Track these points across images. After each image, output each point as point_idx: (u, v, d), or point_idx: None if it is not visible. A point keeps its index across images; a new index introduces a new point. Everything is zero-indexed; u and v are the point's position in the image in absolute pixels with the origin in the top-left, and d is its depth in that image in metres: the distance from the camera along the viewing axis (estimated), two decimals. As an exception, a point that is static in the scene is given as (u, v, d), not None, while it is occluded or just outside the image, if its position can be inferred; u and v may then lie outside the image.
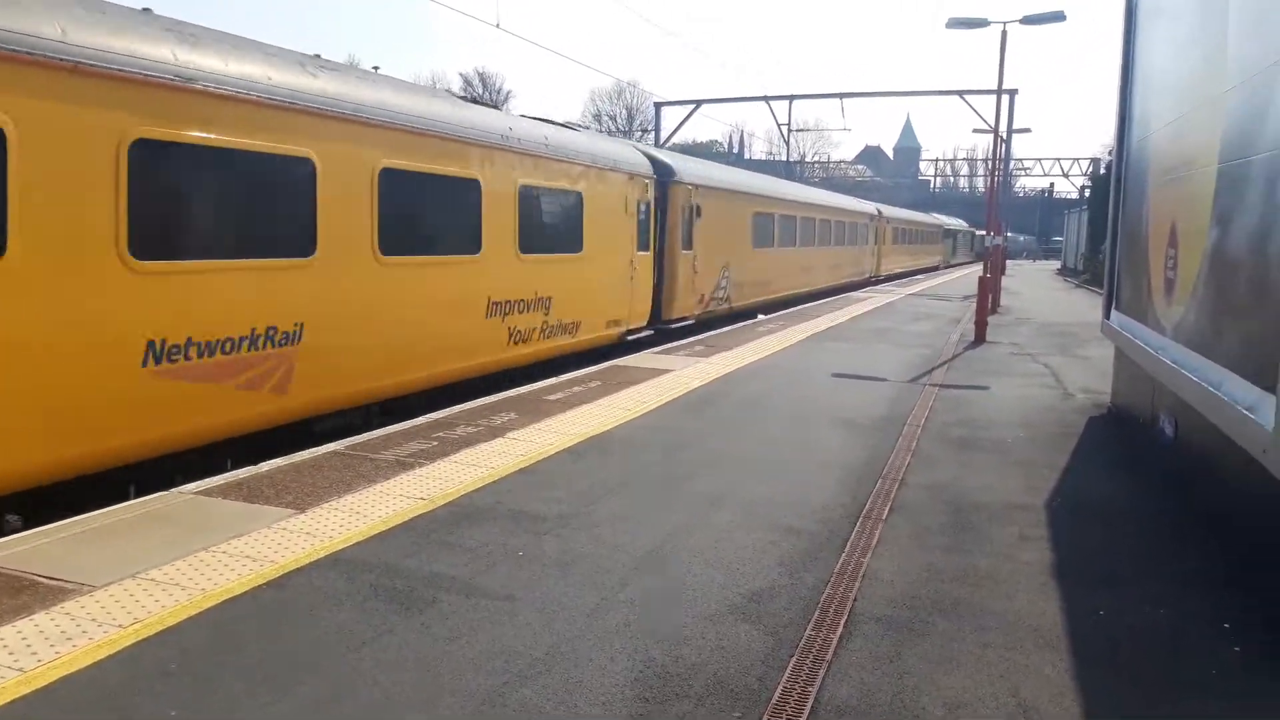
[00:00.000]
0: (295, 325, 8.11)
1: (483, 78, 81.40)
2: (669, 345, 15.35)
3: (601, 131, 71.13)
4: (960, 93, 40.21)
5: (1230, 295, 5.94)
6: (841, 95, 46.28)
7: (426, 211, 10.36)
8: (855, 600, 4.91)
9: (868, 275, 37.86)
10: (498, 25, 19.85)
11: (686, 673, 4.07)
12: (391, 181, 9.34)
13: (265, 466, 7.09)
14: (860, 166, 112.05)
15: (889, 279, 41.13)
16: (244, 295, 7.64)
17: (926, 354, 15.30)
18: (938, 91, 46.10)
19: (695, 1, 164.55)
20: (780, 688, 3.94)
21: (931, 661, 4.24)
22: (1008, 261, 46.19)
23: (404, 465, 7.25)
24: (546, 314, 12.47)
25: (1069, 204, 70.60)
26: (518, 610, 4.67)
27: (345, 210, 8.76)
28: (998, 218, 26.06)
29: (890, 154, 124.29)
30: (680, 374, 12.15)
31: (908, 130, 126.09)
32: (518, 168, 11.61)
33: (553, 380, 11.45)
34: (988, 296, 18.66)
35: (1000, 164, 30.82)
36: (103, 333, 6.55)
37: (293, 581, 4.93)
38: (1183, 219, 7.51)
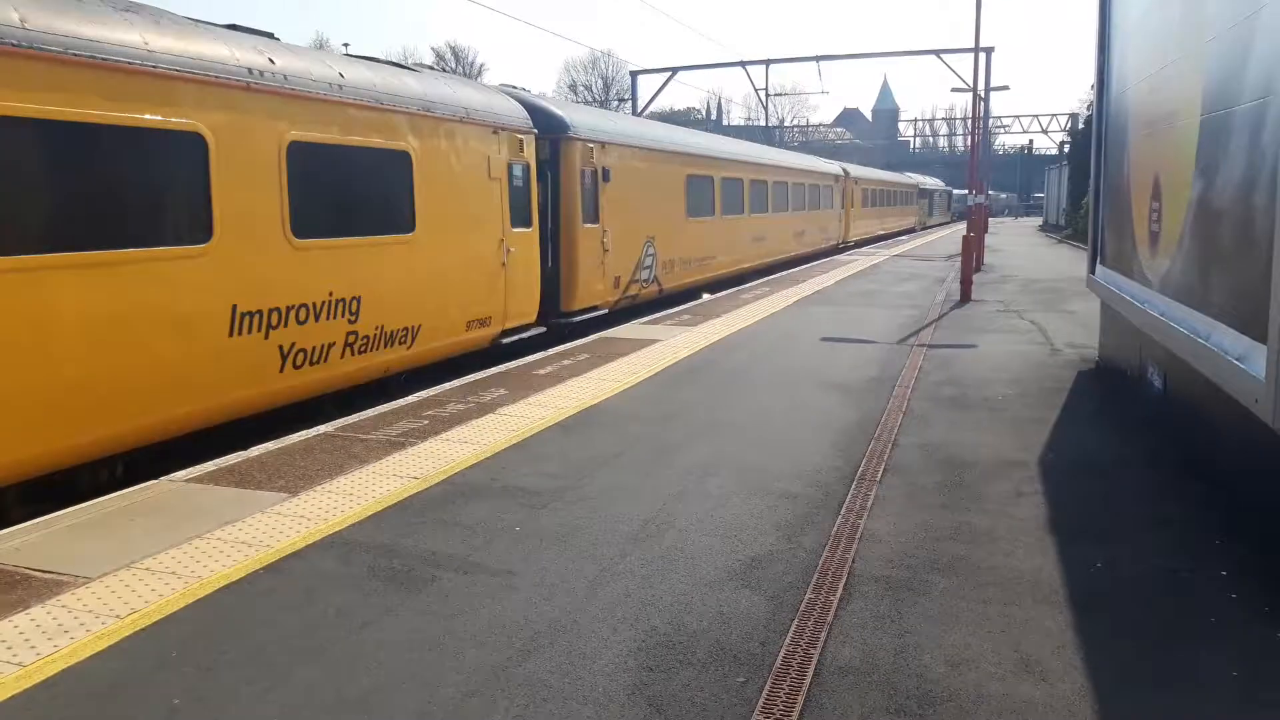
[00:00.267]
0: None
1: (455, 51, 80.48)
2: (656, 315, 15.31)
3: (579, 101, 70.48)
4: (937, 52, 40.08)
5: (1217, 246, 5.95)
6: (818, 58, 45.98)
7: (77, 184, 6.62)
8: (854, 562, 4.92)
9: (835, 242, 34.94)
10: (469, -4, 19.53)
11: (689, 640, 4.07)
12: None
13: (255, 451, 7.04)
14: (839, 129, 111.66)
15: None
16: None
17: (914, 314, 15.32)
18: (915, 51, 45.88)
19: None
20: (783, 651, 3.96)
21: (932, 620, 4.26)
22: (990, 220, 46.15)
23: (395, 445, 7.21)
24: (354, 321, 8.98)
25: (1049, 160, 70.76)
26: (517, 585, 4.66)
27: None
28: (979, 177, 26.06)
29: (869, 116, 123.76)
30: (669, 343, 12.12)
31: (885, 92, 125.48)
32: (285, 118, 8.19)
33: (541, 354, 11.40)
34: (972, 255, 18.68)
35: (979, 122, 30.77)
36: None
37: (290, 565, 4.90)
38: (1166, 171, 7.50)
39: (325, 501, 5.87)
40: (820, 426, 7.86)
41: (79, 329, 6.42)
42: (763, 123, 65.25)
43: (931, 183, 67.79)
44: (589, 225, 14.32)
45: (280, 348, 8.20)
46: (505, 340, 11.90)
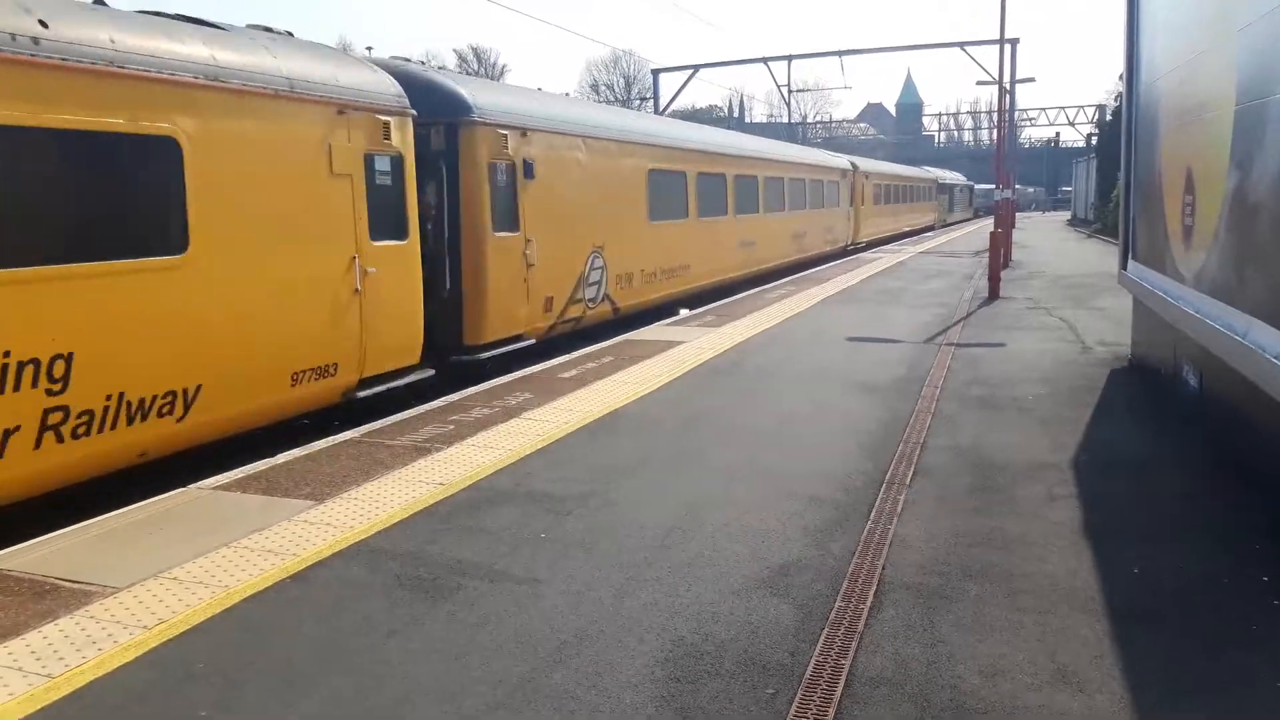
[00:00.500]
0: None
1: (477, 52, 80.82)
2: (680, 317, 15.24)
3: (599, 101, 70.52)
4: (961, 44, 39.72)
5: (1254, 240, 5.80)
6: (841, 53, 45.73)
7: None
8: (884, 569, 4.84)
9: (842, 244, 31.22)
10: (490, -1, 19.55)
11: (717, 650, 4.02)
12: None
13: (282, 458, 7.05)
14: (863, 125, 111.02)
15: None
16: None
17: (941, 313, 15.16)
18: (938, 44, 45.48)
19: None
20: (813, 662, 3.89)
21: (965, 628, 4.18)
22: (1017, 214, 45.49)
23: (421, 450, 7.21)
24: (58, 392, 6.13)
25: (1076, 153, 69.81)
26: (543, 593, 4.62)
27: None
28: (1005, 170, 25.75)
29: (893, 111, 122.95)
30: (692, 345, 12.06)
31: (909, 86, 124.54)
32: None
33: (565, 357, 11.37)
34: (999, 251, 18.45)
35: (1005, 116, 30.41)
36: None
37: (316, 574, 4.90)
38: (1199, 164, 7.35)
39: (352, 508, 5.87)
40: (847, 429, 7.77)
41: None
42: (785, 119, 64.98)
43: (951, 177, 64.35)
44: (503, 234, 11.19)
45: None
46: (366, 393, 8.87)
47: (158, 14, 7.58)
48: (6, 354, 5.83)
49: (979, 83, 47.98)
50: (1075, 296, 17.08)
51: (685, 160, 17.32)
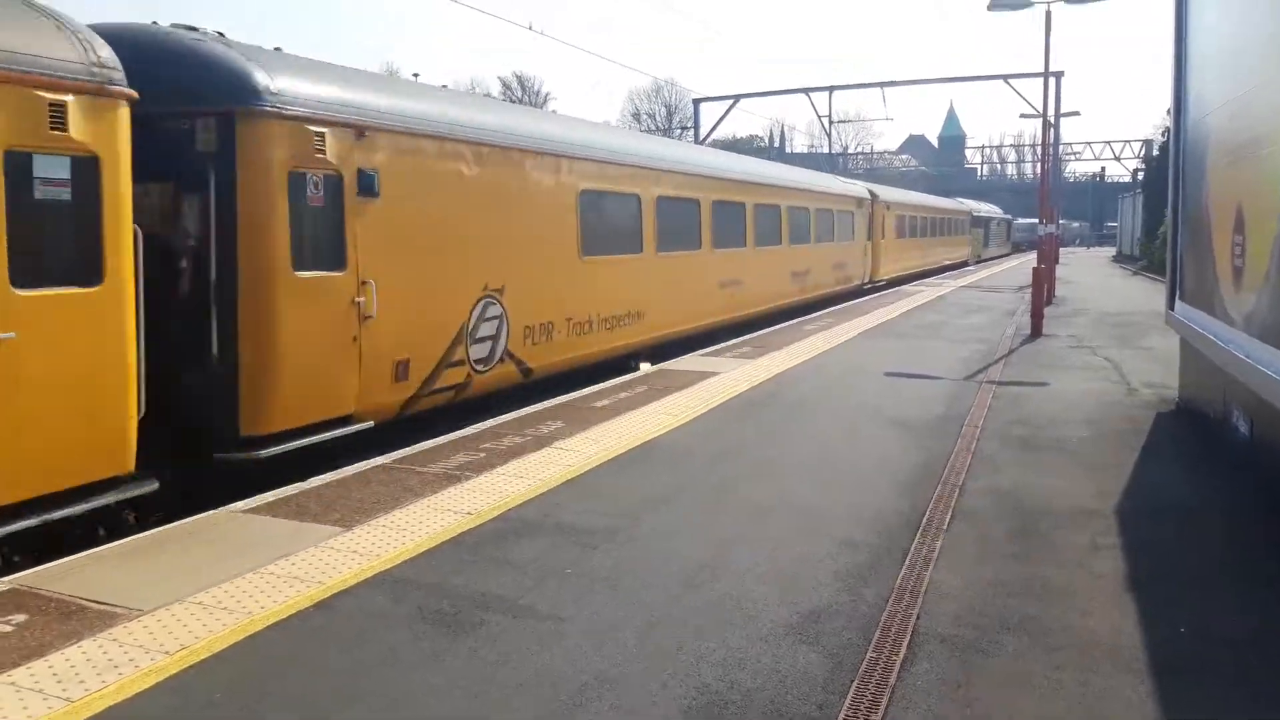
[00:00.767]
0: None
1: (521, 80, 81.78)
2: (715, 347, 15.15)
3: (643, 129, 70.84)
4: (1005, 77, 39.59)
5: (1310, 285, 5.61)
6: (883, 84, 45.77)
7: None
8: (918, 618, 4.70)
9: (858, 282, 27.51)
10: (530, 27, 19.76)
11: (742, 700, 3.90)
12: None
13: (313, 482, 7.05)
14: (904, 156, 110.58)
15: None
16: None
17: (981, 349, 14.92)
18: (982, 77, 45.30)
19: (753, 37, 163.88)
20: (842, 716, 3.76)
21: (1002, 685, 4.02)
22: (1061, 249, 44.75)
23: (451, 478, 7.17)
24: None
25: (1122, 188, 68.90)
26: (566, 631, 4.54)
27: None
28: (1049, 204, 25.43)
29: (935, 142, 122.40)
30: (728, 376, 11.96)
31: (952, 118, 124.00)
32: None
33: (599, 386, 11.33)
34: (1043, 287, 18.17)
35: (1049, 149, 30.10)
36: None
37: (340, 603, 4.86)
38: (1250, 202, 7.15)
39: (379, 536, 5.83)
40: (884, 467, 7.62)
41: None
42: (826, 150, 64.94)
43: (987, 209, 60.10)
44: (314, 274, 7.99)
45: None
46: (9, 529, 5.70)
47: None
48: None
49: (1023, 115, 47.44)
50: (1121, 335, 16.74)
51: (639, 180, 13.66)
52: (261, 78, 7.73)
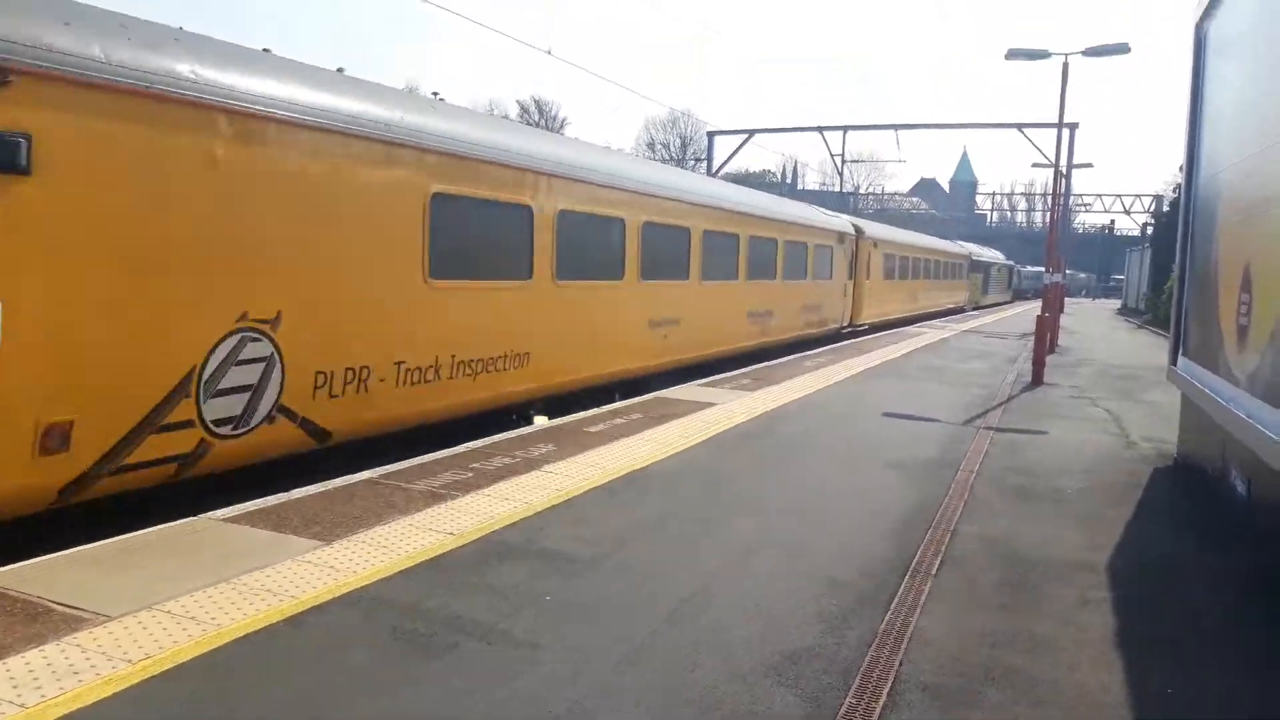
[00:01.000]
0: None
1: (539, 105, 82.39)
2: (714, 378, 15.07)
3: (656, 160, 71.32)
4: (1019, 126, 39.65)
5: (1314, 347, 5.54)
6: (896, 126, 45.98)
7: None
8: (900, 664, 4.58)
9: (835, 325, 24.92)
10: (549, 52, 19.79)
11: (716, 740, 3.79)
12: None
13: (297, 493, 6.97)
14: (915, 199, 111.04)
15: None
16: None
17: (982, 394, 14.83)
18: (996, 124, 45.46)
19: (753, 38, 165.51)
20: (817, 763, 3.65)
21: (983, 739, 3.91)
22: (1066, 299, 44.71)
23: (436, 496, 7.08)
24: None
25: (1130, 242, 69.13)
26: (541, 660, 4.43)
27: None
28: (1057, 254, 25.43)
29: (946, 187, 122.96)
30: (724, 408, 11.87)
31: (964, 163, 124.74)
32: None
33: (594, 411, 11.25)
34: (1046, 336, 18.10)
35: (1060, 199, 30.15)
36: None
37: (312, 619, 4.75)
38: (1259, 261, 7.09)
39: (357, 553, 5.74)
40: (875, 508, 7.51)
41: None
42: (837, 188, 65.19)
43: (989, 254, 57.78)
44: None
45: None
46: None
47: None
48: None
49: (1035, 165, 47.58)
50: (1122, 388, 16.64)
51: (526, 188, 10.84)
52: None
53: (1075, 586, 5.86)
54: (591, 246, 12.62)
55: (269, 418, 7.62)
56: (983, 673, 4.54)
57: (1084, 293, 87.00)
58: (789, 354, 19.50)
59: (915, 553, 6.36)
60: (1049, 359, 18.46)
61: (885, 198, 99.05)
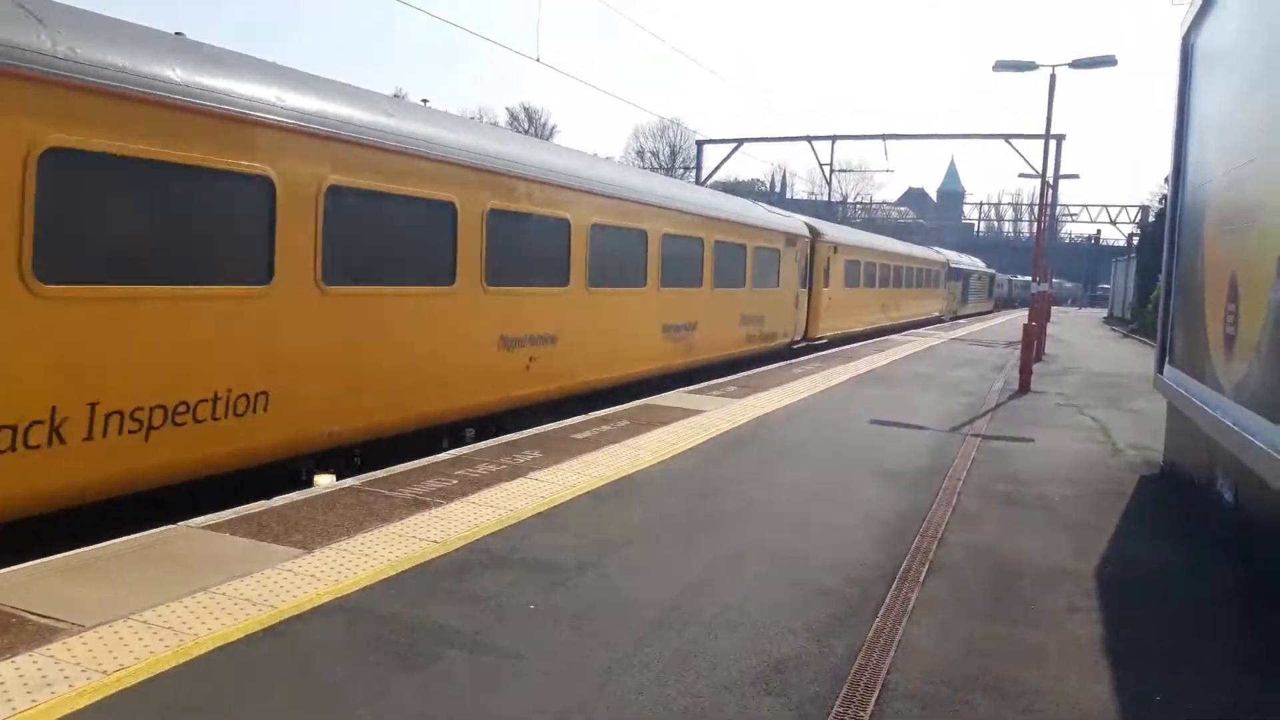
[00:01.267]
0: None
1: (529, 112, 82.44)
2: (701, 385, 15.03)
3: (645, 168, 71.29)
4: (1006, 136, 39.80)
5: (1301, 355, 5.54)
6: (885, 136, 46.00)
7: None
8: (888, 673, 4.54)
9: (786, 339, 21.98)
10: (538, 60, 19.74)
11: (701, 751, 3.74)
12: None
13: (278, 501, 6.88)
14: (903, 209, 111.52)
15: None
16: None
17: (969, 402, 14.83)
18: (983, 135, 45.64)
19: (742, 46, 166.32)
20: (803, 774, 3.60)
21: (971, 749, 3.86)
22: (1053, 308, 44.76)
23: (420, 504, 7.00)
24: None
25: (1116, 252, 69.47)
26: (525, 671, 4.37)
27: None
28: (1044, 264, 25.54)
29: (934, 196, 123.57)
30: (712, 415, 11.83)
31: (952, 173, 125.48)
32: None
33: (580, 418, 11.19)
34: (1033, 344, 18.15)
35: (1047, 209, 30.27)
36: None
37: (291, 629, 4.68)
38: (1244, 271, 7.10)
39: (339, 561, 5.66)
40: (862, 516, 7.48)
41: None
42: (826, 197, 65.35)
43: (967, 261, 54.46)
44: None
45: None
46: None
47: None
48: None
49: (1021, 175, 47.90)
50: (1109, 396, 16.69)
51: (283, 153, 7.77)
52: None
53: (1063, 594, 5.83)
54: (408, 241, 9.42)
55: None
56: (971, 681, 4.50)
57: (1070, 302, 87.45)
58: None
59: (903, 561, 6.32)
60: (1036, 367, 18.52)
61: (873, 207, 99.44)
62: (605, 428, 10.57)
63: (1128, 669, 4.75)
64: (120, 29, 6.95)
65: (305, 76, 8.62)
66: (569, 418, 11.19)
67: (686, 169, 75.55)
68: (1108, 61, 20.45)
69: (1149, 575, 6.38)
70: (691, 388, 14.63)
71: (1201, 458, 8.46)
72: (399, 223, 9.23)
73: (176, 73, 6.95)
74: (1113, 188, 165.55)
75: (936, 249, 48.94)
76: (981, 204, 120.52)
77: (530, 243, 11.48)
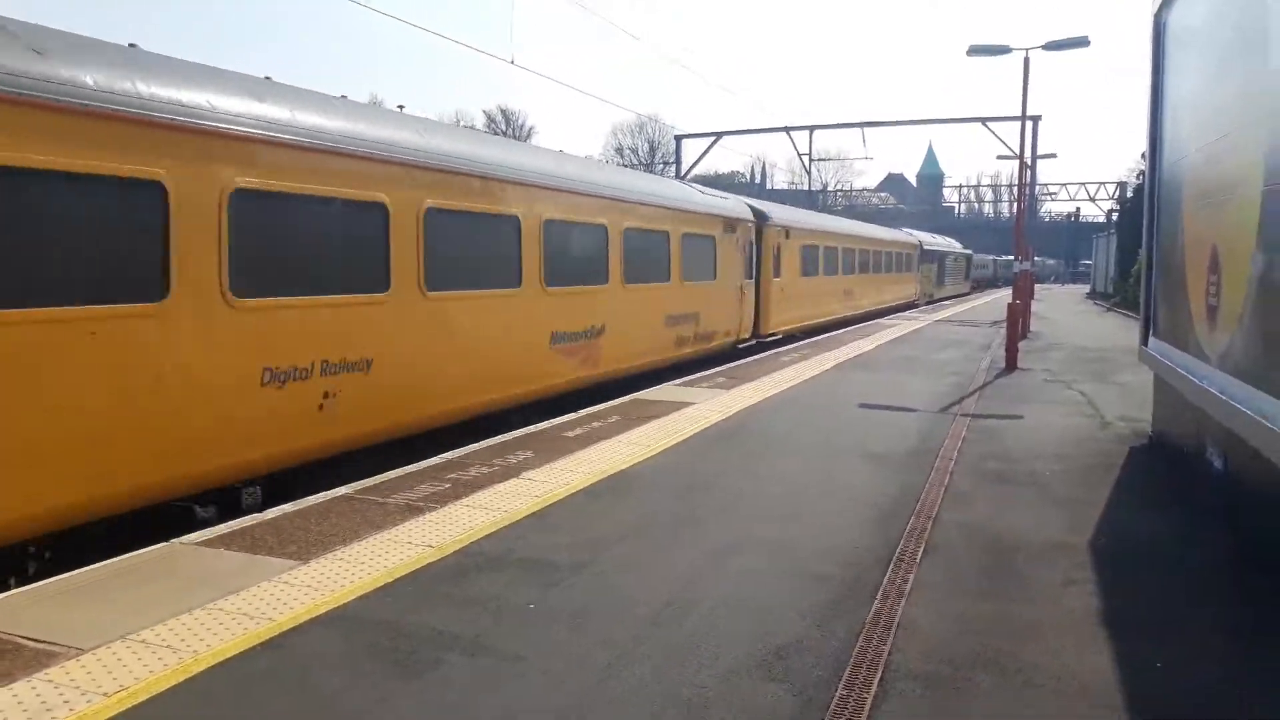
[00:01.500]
0: None
1: (505, 114, 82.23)
2: (690, 377, 15.03)
3: (624, 165, 71.23)
4: (983, 120, 39.96)
5: (1283, 321, 5.58)
6: (863, 124, 46.17)
7: None
8: (889, 654, 4.56)
9: (725, 340, 18.98)
10: (512, 62, 19.66)
11: (706, 742, 3.74)
12: None
13: (271, 513, 6.85)
14: (883, 194, 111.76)
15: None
16: None
17: (956, 382, 14.89)
18: (960, 119, 45.74)
19: (716, 38, 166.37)
20: (809, 759, 3.61)
21: (974, 726, 3.88)
22: (1035, 286, 44.78)
23: (414, 509, 6.99)
24: None
25: (1096, 228, 69.89)
26: (525, 671, 4.36)
27: None
28: (1025, 242, 25.66)
29: (914, 181, 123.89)
30: (702, 407, 11.84)
31: (930, 157, 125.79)
32: None
33: (571, 416, 11.17)
34: (1018, 322, 18.23)
35: (1025, 190, 30.40)
36: None
37: (290, 641, 4.66)
38: (1224, 244, 7.16)
39: (334, 570, 5.64)
40: (856, 500, 7.50)
41: None
42: (806, 187, 65.47)
43: (942, 243, 52.12)
44: None
45: None
46: None
47: None
48: None
49: (1000, 157, 48.11)
50: (1095, 370, 16.79)
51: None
52: None
53: (1058, 568, 5.86)
54: (115, 245, 6.75)
55: None
56: (971, 658, 4.53)
57: (1052, 279, 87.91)
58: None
59: (898, 543, 6.34)
60: (1021, 345, 18.60)
61: (854, 194, 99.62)
62: (596, 424, 10.56)
63: (1125, 639, 4.78)
64: None
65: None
66: (558, 416, 11.16)
67: (666, 164, 75.48)
68: (1080, 43, 20.55)
69: (1141, 546, 6.43)
70: (680, 380, 14.62)
71: (1190, 427, 8.52)
72: (109, 221, 6.72)
73: None
74: (1091, 165, 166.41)
75: (908, 230, 46.51)
76: (961, 186, 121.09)
77: (319, 234, 8.48)
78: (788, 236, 23.12)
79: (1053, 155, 51.57)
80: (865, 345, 21.07)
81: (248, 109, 7.71)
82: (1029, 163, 32.60)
